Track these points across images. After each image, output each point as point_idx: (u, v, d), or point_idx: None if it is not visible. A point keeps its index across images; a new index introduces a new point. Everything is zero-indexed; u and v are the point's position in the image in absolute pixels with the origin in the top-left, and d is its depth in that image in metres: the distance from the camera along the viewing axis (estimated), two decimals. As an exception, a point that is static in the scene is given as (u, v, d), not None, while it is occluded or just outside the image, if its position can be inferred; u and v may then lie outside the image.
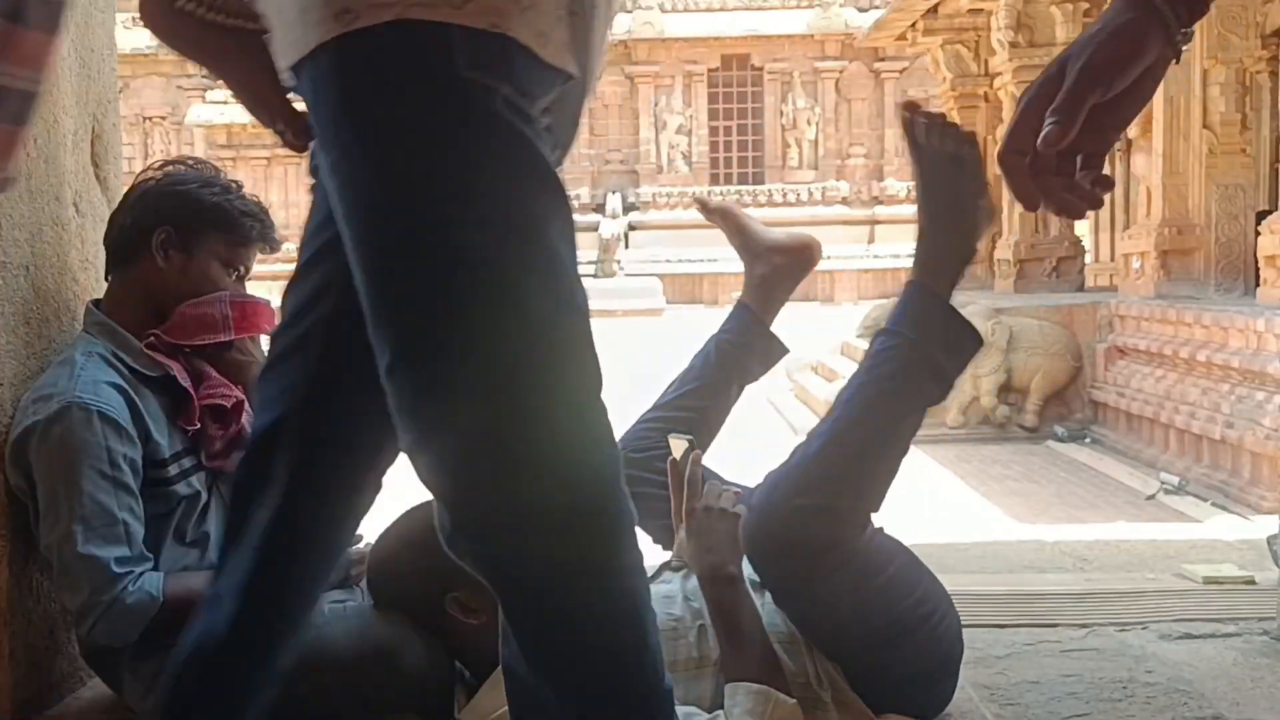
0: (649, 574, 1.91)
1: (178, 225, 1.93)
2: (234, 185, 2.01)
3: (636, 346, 11.96)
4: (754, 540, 1.76)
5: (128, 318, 1.93)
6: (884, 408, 1.75)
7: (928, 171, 1.80)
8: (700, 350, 2.27)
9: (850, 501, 1.72)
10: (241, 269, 2.01)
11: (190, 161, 2.06)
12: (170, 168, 2.02)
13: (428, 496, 1.95)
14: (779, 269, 2.26)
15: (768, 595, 1.82)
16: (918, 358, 1.75)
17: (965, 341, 1.80)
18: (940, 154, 1.78)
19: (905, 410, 1.77)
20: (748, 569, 1.83)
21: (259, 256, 2.06)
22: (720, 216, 2.32)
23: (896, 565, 1.80)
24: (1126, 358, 8.61)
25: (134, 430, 1.83)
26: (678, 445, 1.88)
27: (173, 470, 1.88)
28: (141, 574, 1.80)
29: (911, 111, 1.79)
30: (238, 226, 1.97)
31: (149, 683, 1.81)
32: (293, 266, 1.37)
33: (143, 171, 2.02)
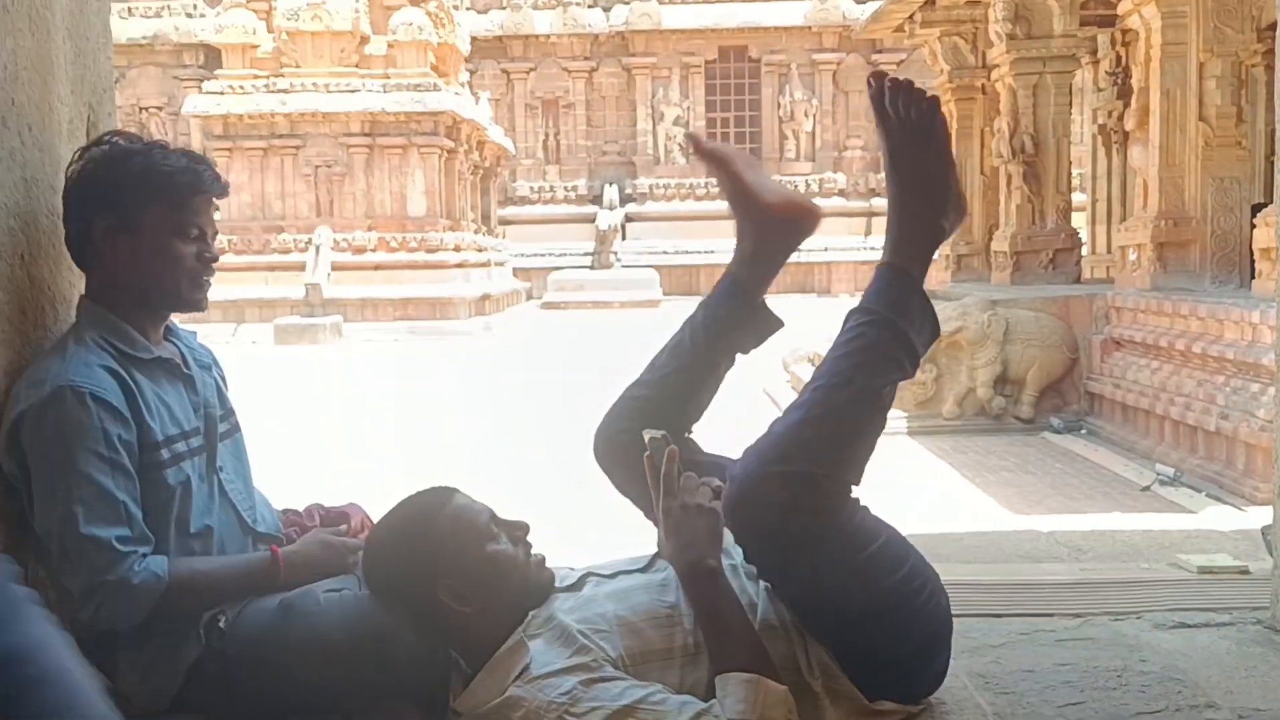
0: (642, 563, 1.91)
1: (113, 210, 1.86)
2: (158, 145, 1.91)
3: (634, 338, 11.92)
4: (735, 509, 1.73)
5: (115, 304, 1.91)
6: (861, 378, 1.74)
7: (895, 143, 1.79)
8: (687, 322, 2.02)
9: (829, 469, 1.71)
10: (194, 230, 1.91)
11: (108, 138, 1.94)
12: (88, 153, 1.91)
13: (422, 487, 1.94)
14: (772, 234, 1.97)
15: (761, 584, 1.82)
16: (891, 335, 1.75)
17: (931, 324, 1.80)
18: (907, 125, 1.77)
19: (881, 382, 1.75)
20: (738, 556, 1.83)
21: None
22: (714, 161, 1.98)
23: (883, 540, 1.80)
24: (1122, 349, 8.61)
25: (128, 412, 1.82)
26: (652, 439, 1.85)
27: (164, 454, 1.86)
28: (146, 554, 1.78)
29: (879, 80, 1.76)
30: (171, 187, 1.88)
31: (145, 669, 1.81)
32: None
33: (68, 167, 1.93)
